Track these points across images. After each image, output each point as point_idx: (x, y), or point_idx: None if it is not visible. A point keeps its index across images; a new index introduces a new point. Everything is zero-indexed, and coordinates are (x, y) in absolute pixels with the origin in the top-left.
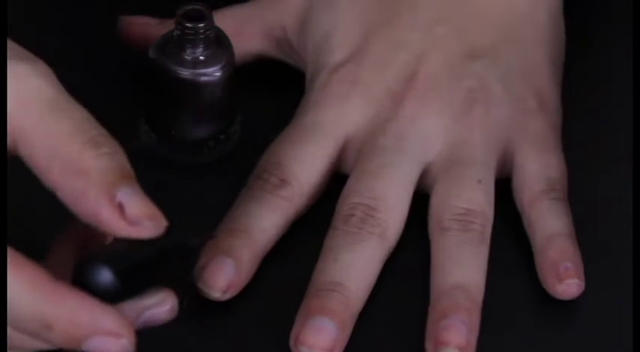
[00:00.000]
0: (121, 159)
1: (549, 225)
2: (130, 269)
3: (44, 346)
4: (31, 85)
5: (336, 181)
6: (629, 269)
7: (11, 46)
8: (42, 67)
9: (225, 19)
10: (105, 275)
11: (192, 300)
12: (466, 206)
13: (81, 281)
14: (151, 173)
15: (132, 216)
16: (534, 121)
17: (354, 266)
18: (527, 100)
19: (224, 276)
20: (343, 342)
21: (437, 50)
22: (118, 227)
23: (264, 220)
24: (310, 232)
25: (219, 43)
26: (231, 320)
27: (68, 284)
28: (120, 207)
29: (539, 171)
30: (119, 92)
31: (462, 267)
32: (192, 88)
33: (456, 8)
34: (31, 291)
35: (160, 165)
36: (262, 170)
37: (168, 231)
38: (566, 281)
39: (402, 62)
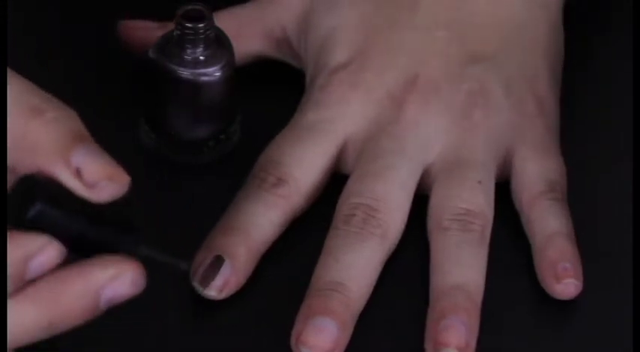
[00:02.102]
0: (71, 121)
1: (548, 224)
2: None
3: None
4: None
5: (336, 181)
6: (629, 269)
7: (32, 89)
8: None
9: (225, 20)
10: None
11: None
12: (466, 206)
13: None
14: (151, 173)
15: (89, 178)
16: (534, 125)
17: (355, 266)
18: (526, 104)
19: (220, 275)
20: (344, 342)
21: (437, 53)
22: (80, 192)
23: (261, 218)
24: (310, 232)
25: (219, 43)
26: (231, 320)
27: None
28: (78, 172)
29: (539, 173)
30: (119, 92)
31: (461, 267)
32: (192, 88)
33: (457, 13)
34: None
35: (160, 165)
36: (260, 169)
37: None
38: (564, 281)
39: (403, 65)
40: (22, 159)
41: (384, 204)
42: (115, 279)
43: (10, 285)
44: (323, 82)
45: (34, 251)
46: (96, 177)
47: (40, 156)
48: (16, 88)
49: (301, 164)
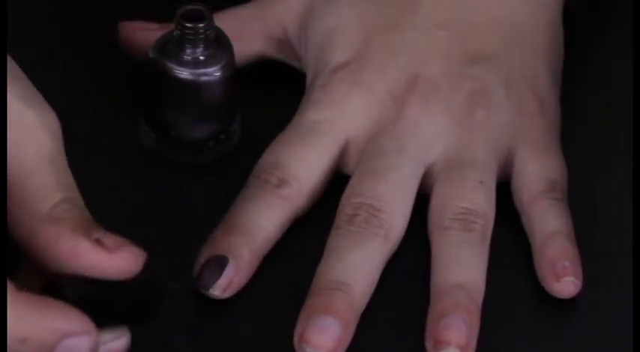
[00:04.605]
0: (90, 217)
1: (548, 223)
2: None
3: None
4: (36, 138)
5: (337, 181)
6: (629, 270)
7: (26, 85)
8: (50, 119)
9: (225, 20)
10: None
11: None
12: (467, 206)
13: None
14: (151, 173)
15: (110, 244)
16: (535, 124)
17: (357, 266)
18: (527, 103)
19: (224, 275)
20: (346, 342)
21: (438, 53)
22: (98, 258)
23: (264, 218)
24: (311, 232)
25: (219, 43)
26: (233, 320)
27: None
28: (98, 241)
29: (539, 172)
30: (119, 92)
31: (462, 267)
32: (192, 88)
33: (457, 13)
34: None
35: (160, 165)
36: (261, 170)
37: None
38: (563, 279)
39: (404, 64)
40: (36, 228)
41: (386, 204)
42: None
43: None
44: (323, 82)
45: (73, 331)
46: (116, 243)
47: (59, 228)
48: (65, 178)
49: (303, 164)
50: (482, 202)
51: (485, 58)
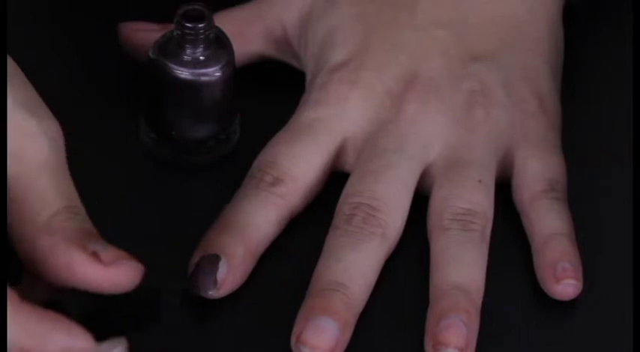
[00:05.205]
0: (91, 226)
1: (548, 224)
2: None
3: None
4: (37, 146)
5: (335, 181)
6: (629, 270)
7: (30, 93)
8: (51, 126)
9: (225, 20)
10: None
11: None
12: (466, 206)
13: None
14: (151, 173)
15: (107, 258)
16: (535, 123)
17: (356, 266)
18: (527, 102)
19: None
20: (344, 343)
21: (437, 52)
22: (94, 272)
23: (257, 216)
24: (311, 232)
25: (219, 43)
26: (230, 320)
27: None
28: (94, 255)
29: (540, 172)
30: (119, 92)
31: (461, 267)
32: (192, 88)
33: (456, 12)
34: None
35: (160, 165)
36: (257, 169)
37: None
38: (563, 281)
39: (403, 63)
40: (34, 239)
41: (384, 204)
42: None
43: None
44: (322, 81)
45: (74, 347)
46: (114, 256)
47: (55, 239)
48: (65, 186)
49: (298, 163)
50: (481, 202)
51: (485, 57)
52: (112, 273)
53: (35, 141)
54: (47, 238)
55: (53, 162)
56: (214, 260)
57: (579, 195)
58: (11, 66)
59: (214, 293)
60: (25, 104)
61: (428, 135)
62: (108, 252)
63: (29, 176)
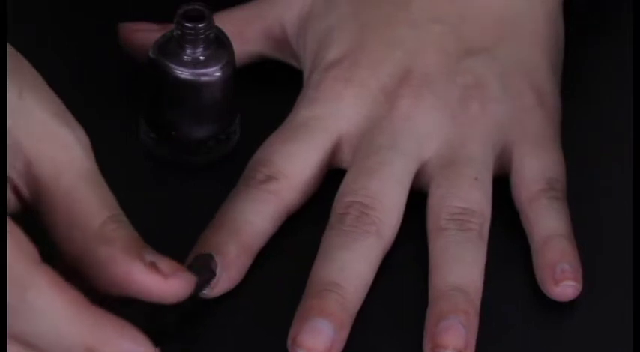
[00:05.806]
0: (139, 236)
1: (547, 224)
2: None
3: None
4: (73, 155)
5: (334, 180)
6: (629, 270)
7: (58, 102)
8: (82, 135)
9: (225, 20)
10: None
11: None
12: (463, 205)
13: None
14: (151, 173)
15: (166, 269)
16: (533, 118)
17: (351, 265)
18: (525, 96)
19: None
20: (341, 343)
21: (432, 48)
22: (154, 283)
23: (250, 214)
24: (308, 231)
25: (219, 43)
26: (226, 320)
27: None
28: (152, 265)
29: (538, 170)
30: (119, 92)
31: (460, 268)
32: (192, 88)
33: (451, 7)
34: (76, 314)
35: (160, 165)
36: (251, 168)
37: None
38: (562, 283)
39: (397, 60)
40: (90, 248)
41: (378, 202)
42: None
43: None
44: (317, 79)
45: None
46: (172, 268)
47: (112, 249)
48: (106, 192)
49: (292, 160)
50: (478, 200)
51: (481, 51)
52: (171, 284)
53: (72, 151)
54: (103, 247)
55: (90, 171)
56: (207, 259)
57: (579, 195)
58: (36, 77)
59: (209, 293)
60: (58, 115)
61: (423, 131)
62: (165, 262)
63: (68, 184)
